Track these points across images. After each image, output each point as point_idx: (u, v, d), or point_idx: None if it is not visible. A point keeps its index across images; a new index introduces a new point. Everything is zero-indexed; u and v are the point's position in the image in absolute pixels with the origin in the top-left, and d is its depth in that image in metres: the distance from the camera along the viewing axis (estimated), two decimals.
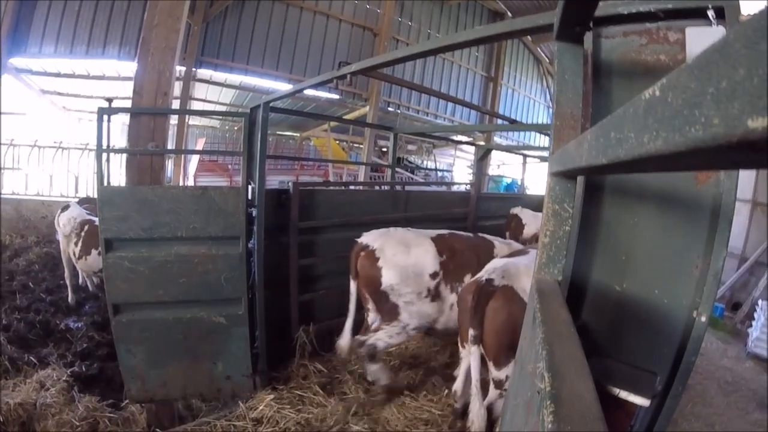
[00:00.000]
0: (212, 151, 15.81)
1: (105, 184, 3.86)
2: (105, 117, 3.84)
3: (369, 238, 3.64)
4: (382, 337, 3.48)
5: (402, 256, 3.47)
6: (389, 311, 3.49)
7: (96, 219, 5.57)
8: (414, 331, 3.58)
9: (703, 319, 1.57)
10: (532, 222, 6.04)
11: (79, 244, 5.35)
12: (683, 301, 1.61)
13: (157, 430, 3.41)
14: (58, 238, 5.96)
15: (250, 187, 4.05)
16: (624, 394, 1.43)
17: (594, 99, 1.65)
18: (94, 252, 5.16)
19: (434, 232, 3.88)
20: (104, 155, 3.89)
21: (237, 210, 3.96)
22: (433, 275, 3.53)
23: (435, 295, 3.54)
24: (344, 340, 3.62)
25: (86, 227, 5.41)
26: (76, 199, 7.53)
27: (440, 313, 3.57)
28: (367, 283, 3.54)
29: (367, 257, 3.53)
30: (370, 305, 3.64)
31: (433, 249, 3.59)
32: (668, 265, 1.63)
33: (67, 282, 5.73)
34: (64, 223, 5.59)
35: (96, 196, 3.71)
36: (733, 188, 1.53)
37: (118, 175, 6.81)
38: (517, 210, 6.48)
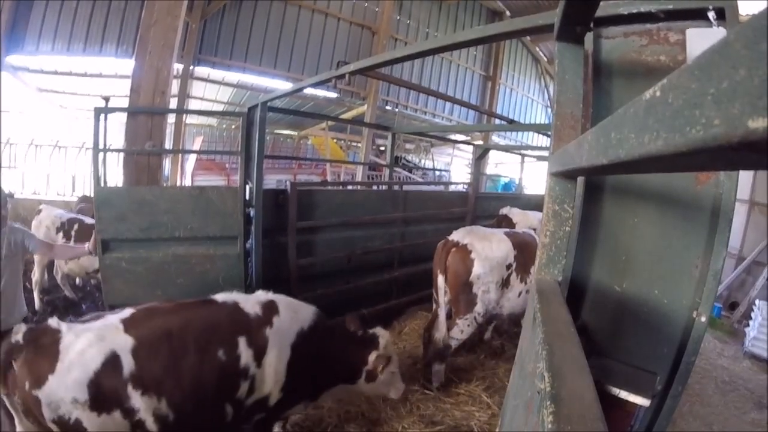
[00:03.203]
0: (210, 150, 15.67)
1: (102, 184, 3.81)
2: (101, 116, 3.79)
3: (458, 236, 4.07)
4: (456, 335, 3.92)
5: (489, 251, 3.91)
6: (468, 302, 3.90)
7: (82, 218, 5.51)
8: (482, 319, 3.99)
9: (703, 319, 1.57)
10: (521, 220, 6.16)
11: (70, 243, 5.19)
12: (683, 301, 1.61)
13: None
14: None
15: (247, 186, 4.04)
16: (624, 394, 1.43)
17: (594, 99, 1.66)
18: None
19: (504, 230, 4.45)
20: (101, 155, 3.84)
21: (235, 210, 3.95)
22: (509, 266, 4.03)
23: (504, 284, 4.03)
24: (441, 332, 3.94)
25: (76, 226, 5.31)
26: (77, 199, 7.47)
27: (506, 299, 4.09)
28: (457, 274, 3.91)
29: (459, 252, 3.94)
30: (447, 298, 4.01)
31: (510, 244, 4.06)
32: (668, 266, 1.64)
33: (60, 284, 5.72)
34: (48, 225, 5.36)
35: (93, 195, 3.66)
36: (733, 189, 1.54)
37: (115, 174, 6.76)
38: (505, 210, 6.63)
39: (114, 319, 2.28)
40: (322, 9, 11.92)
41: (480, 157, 7.38)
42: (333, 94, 12.39)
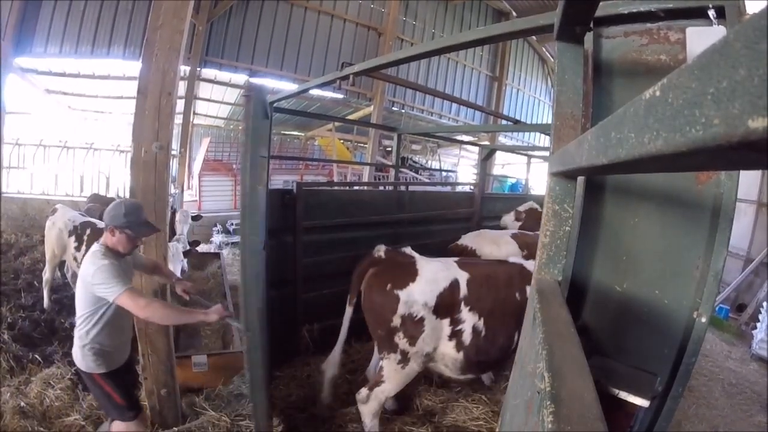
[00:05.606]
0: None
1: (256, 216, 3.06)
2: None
3: (467, 240, 4.42)
4: None
5: (497, 254, 4.17)
6: None
7: (94, 221, 5.32)
8: None
9: (704, 319, 1.56)
10: None
11: (82, 248, 5.14)
12: (684, 302, 1.61)
13: (161, 429, 3.41)
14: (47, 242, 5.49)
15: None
16: (624, 395, 1.43)
17: (594, 99, 1.65)
18: None
19: (510, 232, 4.66)
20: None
21: (263, 210, 3.83)
22: None
23: None
24: None
25: (88, 230, 5.20)
26: (86, 200, 7.48)
27: None
28: None
29: (469, 256, 4.29)
30: None
31: (516, 245, 4.27)
32: (669, 266, 1.63)
33: (70, 282, 5.74)
34: (61, 227, 5.30)
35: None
36: (734, 188, 1.53)
37: (118, 176, 6.79)
38: (530, 205, 6.50)
39: (448, 260, 3.22)
40: (328, 10, 11.97)
41: (486, 157, 7.35)
42: (339, 95, 12.42)
